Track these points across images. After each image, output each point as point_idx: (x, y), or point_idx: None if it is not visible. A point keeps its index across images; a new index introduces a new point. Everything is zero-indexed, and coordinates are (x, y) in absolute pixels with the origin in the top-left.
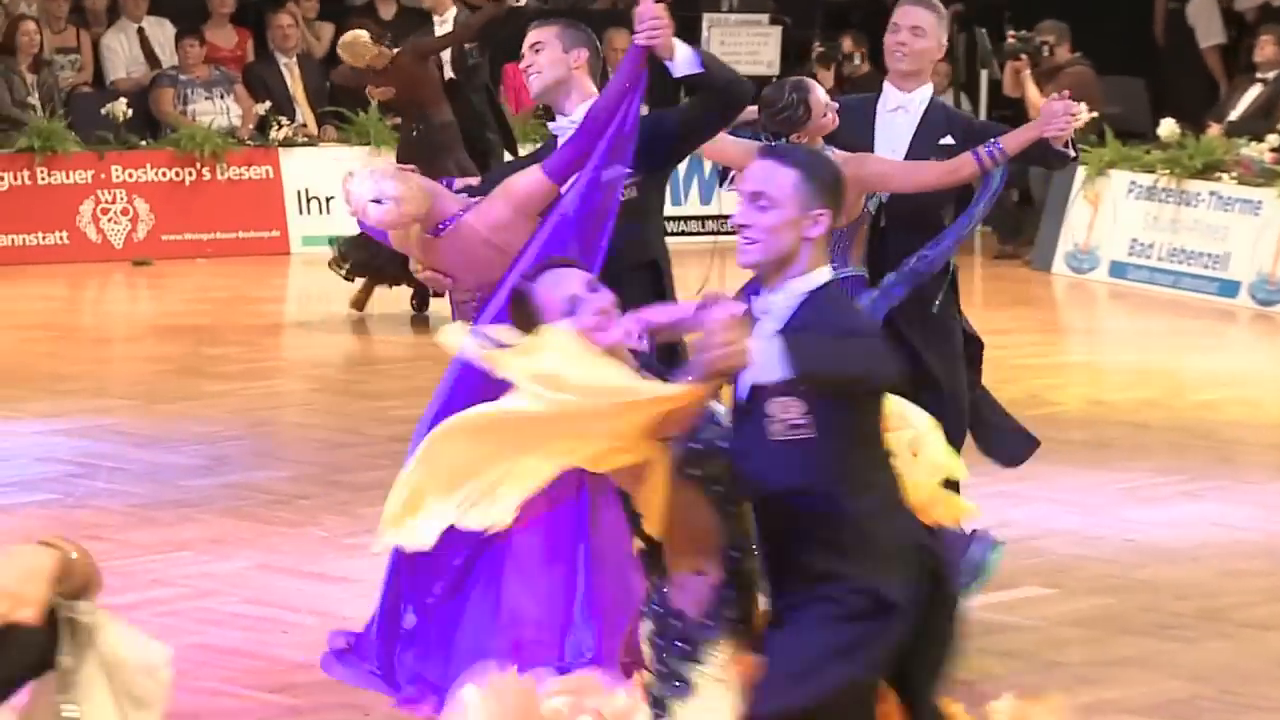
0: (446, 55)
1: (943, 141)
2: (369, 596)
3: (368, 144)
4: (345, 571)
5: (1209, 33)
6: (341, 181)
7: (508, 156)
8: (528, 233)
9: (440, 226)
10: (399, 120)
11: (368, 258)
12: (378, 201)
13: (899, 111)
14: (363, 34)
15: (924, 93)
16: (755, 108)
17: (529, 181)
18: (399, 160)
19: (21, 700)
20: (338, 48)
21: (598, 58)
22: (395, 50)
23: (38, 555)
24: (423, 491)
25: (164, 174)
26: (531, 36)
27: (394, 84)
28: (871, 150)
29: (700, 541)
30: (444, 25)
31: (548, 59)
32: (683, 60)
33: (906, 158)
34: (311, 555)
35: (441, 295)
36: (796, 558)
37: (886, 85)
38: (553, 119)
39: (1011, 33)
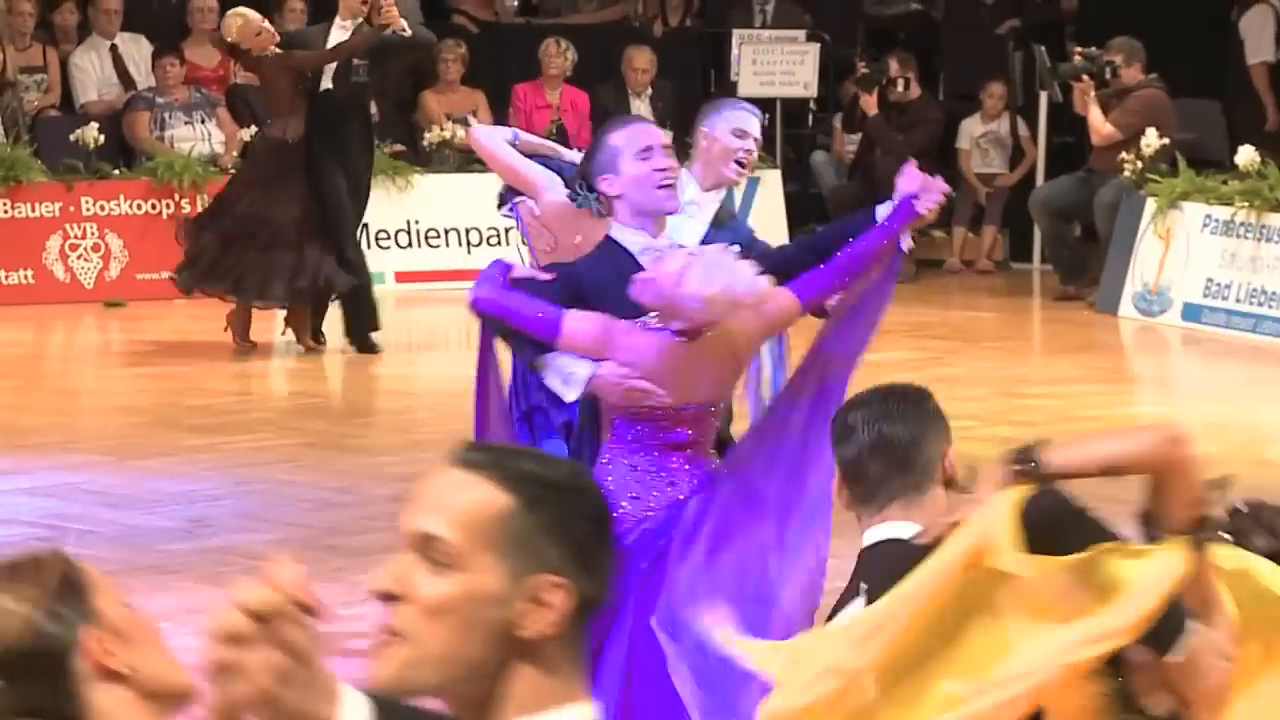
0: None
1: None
2: (366, 675)
3: None
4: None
5: (1259, 48)
6: (690, 267)
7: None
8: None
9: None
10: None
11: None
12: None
13: (693, 206)
14: (254, 17)
15: (721, 194)
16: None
17: (783, 303)
18: (251, 165)
19: None
20: (228, 14)
21: None
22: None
23: None
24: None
25: (139, 206)
26: (665, 137)
27: (260, 80)
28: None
29: None
30: (344, 32)
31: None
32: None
33: None
34: None
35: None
36: None
37: (684, 174)
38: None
39: (1079, 49)
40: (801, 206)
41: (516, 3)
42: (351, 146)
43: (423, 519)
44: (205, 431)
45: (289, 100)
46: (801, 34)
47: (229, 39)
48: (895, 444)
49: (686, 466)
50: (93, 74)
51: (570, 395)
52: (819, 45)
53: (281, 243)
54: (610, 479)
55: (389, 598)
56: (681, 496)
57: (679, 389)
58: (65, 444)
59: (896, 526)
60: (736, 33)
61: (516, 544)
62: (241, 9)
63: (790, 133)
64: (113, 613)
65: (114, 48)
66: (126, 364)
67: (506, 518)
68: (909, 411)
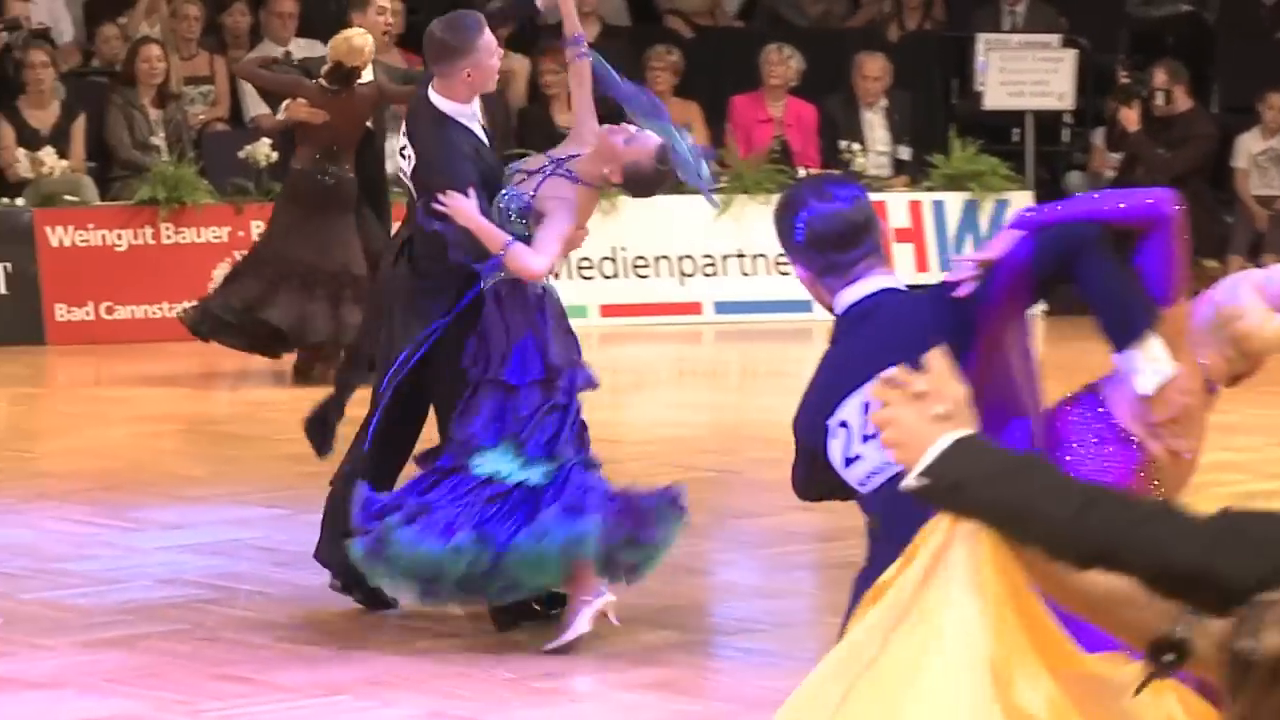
0: None
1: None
2: None
3: None
4: None
5: None
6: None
7: None
8: None
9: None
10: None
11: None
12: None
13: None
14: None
15: None
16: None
17: None
18: (309, 209)
19: None
20: (348, 40)
21: None
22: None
23: None
24: None
25: None
26: None
27: (336, 114)
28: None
29: None
30: (376, 67)
31: None
32: None
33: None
34: (495, 702)
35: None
36: None
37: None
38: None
39: None
40: None
41: (737, 4)
42: (373, 184)
43: None
44: None
45: (356, 138)
46: (1056, 38)
47: (356, 63)
48: None
49: None
50: None
51: (1148, 385)
52: (1076, 51)
53: (315, 286)
54: None
55: None
56: None
57: (1194, 449)
58: (233, 496)
59: None
60: (982, 37)
61: None
62: (363, 29)
63: (1044, 150)
64: None
65: (288, 55)
66: (300, 407)
67: None
68: None
